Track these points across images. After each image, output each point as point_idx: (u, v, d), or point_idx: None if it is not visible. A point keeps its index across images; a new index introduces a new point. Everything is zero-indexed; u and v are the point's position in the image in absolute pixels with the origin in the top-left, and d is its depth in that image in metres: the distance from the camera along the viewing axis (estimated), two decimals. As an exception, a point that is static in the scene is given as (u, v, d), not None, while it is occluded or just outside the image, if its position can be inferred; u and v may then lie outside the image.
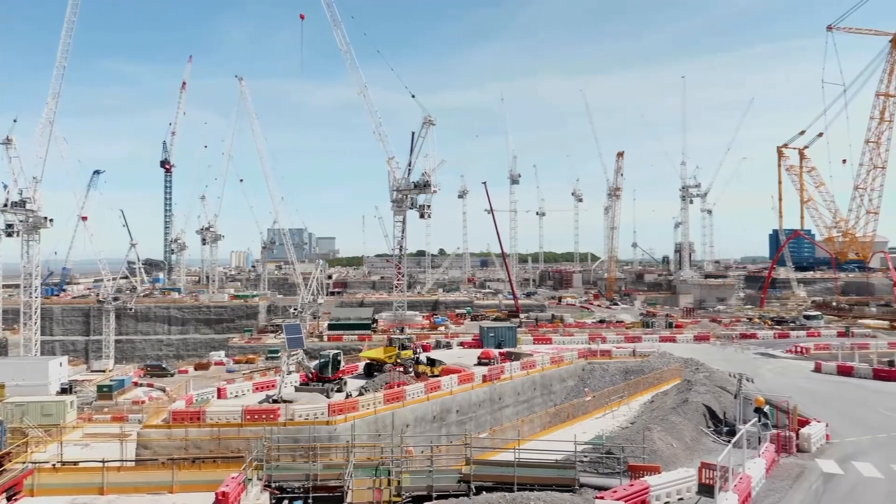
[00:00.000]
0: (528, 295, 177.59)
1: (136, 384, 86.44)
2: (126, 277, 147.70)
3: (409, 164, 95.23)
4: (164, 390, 79.36)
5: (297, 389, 53.11)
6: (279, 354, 77.13)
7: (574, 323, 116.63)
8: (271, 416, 42.74)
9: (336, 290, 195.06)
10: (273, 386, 53.27)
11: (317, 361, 56.39)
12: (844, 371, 61.62)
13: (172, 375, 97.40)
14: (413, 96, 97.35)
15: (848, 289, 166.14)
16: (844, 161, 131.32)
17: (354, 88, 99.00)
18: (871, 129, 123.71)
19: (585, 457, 30.75)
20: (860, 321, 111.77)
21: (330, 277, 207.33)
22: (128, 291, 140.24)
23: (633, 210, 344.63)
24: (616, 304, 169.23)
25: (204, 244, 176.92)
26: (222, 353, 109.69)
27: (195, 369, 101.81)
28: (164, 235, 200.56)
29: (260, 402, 48.19)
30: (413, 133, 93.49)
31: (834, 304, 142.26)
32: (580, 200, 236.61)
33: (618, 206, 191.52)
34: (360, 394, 51.29)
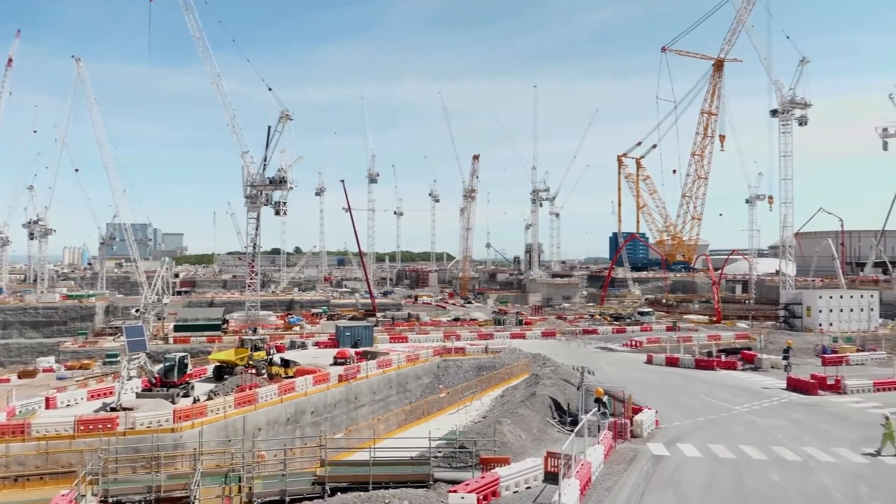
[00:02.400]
0: (385, 294, 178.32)
1: (-56, 396, 76.76)
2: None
3: (265, 160, 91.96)
4: (-21, 402, 71.19)
5: (138, 396, 49.93)
6: (119, 359, 72.00)
7: (430, 321, 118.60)
8: (109, 426, 39.82)
9: (184, 289, 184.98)
10: (111, 393, 49.61)
11: (161, 365, 53.31)
12: (671, 362, 67.68)
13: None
14: (270, 89, 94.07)
15: (675, 287, 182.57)
16: (674, 171, 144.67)
17: (207, 78, 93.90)
18: (696, 143, 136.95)
19: (439, 452, 31.46)
20: (685, 317, 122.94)
21: (177, 276, 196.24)
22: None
23: (487, 211, 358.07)
24: (470, 303, 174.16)
25: (31, 239, 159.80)
26: (52, 358, 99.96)
27: (19, 377, 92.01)
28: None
29: (96, 411, 44.81)
30: (269, 127, 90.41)
31: (664, 301, 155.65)
32: (437, 201, 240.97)
33: (473, 208, 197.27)
34: (209, 398, 49.16)
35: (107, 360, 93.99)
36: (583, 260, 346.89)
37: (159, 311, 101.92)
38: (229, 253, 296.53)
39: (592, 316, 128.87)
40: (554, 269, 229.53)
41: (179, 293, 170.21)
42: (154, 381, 51.21)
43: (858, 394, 49.84)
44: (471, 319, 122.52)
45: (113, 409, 44.47)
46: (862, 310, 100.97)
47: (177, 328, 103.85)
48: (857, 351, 73.05)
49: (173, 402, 47.63)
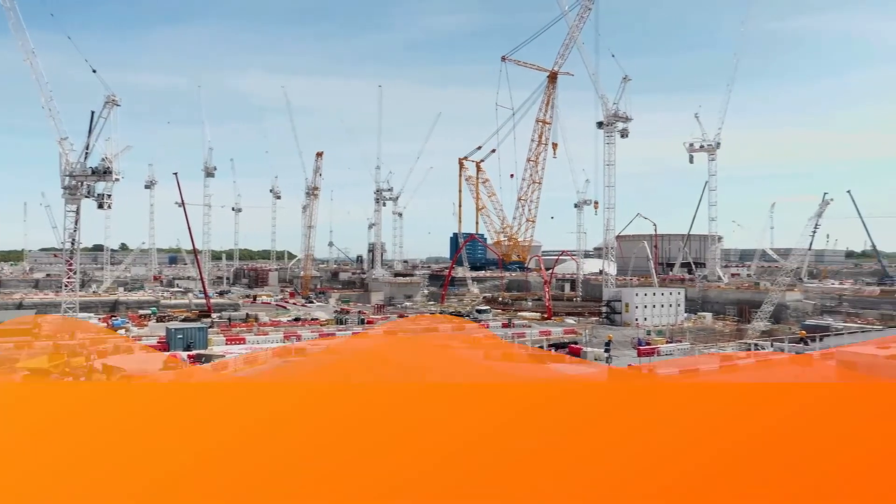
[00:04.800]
0: (222, 293, 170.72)
1: None
2: None
3: (87, 147, 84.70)
4: None
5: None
6: None
7: (269, 322, 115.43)
8: None
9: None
10: None
11: (-43, 375, 47.50)
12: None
13: None
14: (94, 71, 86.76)
15: (511, 286, 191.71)
16: (512, 175, 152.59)
17: (20, 54, 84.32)
18: (531, 149, 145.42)
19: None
20: (519, 314, 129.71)
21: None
22: None
23: (330, 210, 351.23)
24: (312, 302, 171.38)
25: None
26: None
27: None
28: None
29: None
30: (93, 112, 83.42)
31: (500, 299, 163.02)
32: (279, 198, 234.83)
33: (316, 206, 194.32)
34: (18, 410, 44.55)
35: None
36: (424, 259, 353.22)
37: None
38: (43, 249, 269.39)
39: (433, 314, 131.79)
40: (396, 268, 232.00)
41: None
42: (-52, 393, 45.54)
43: (666, 381, 55.61)
44: (312, 319, 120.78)
45: None
46: (671, 305, 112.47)
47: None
48: (667, 342, 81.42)
49: (-27, 416, 42.64)
